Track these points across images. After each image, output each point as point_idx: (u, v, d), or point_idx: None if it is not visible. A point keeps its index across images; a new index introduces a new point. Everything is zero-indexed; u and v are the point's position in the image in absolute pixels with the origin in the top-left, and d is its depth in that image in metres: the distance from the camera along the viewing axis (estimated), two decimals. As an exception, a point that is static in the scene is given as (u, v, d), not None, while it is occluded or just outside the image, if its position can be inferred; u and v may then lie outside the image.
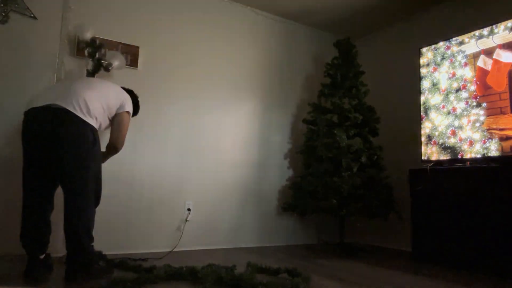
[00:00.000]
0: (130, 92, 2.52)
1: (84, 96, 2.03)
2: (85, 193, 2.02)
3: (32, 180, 2.04)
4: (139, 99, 2.65)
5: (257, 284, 1.88)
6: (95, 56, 2.82)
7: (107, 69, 2.83)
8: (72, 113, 1.96)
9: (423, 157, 3.20)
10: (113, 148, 2.29)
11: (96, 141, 2.07)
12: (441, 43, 3.18)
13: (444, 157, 3.04)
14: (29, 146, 2.01)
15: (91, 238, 2.05)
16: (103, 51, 2.96)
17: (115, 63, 2.88)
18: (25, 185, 2.05)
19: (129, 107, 2.30)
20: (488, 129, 2.77)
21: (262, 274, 2.30)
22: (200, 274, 2.08)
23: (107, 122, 2.23)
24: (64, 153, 1.96)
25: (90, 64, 2.83)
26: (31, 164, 2.03)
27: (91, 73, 2.80)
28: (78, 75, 2.90)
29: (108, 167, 3.01)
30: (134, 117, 3.14)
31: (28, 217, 2.03)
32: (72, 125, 1.96)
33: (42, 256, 2.07)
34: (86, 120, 2.01)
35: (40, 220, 2.04)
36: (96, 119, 2.08)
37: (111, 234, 2.96)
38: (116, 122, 2.24)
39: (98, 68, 2.80)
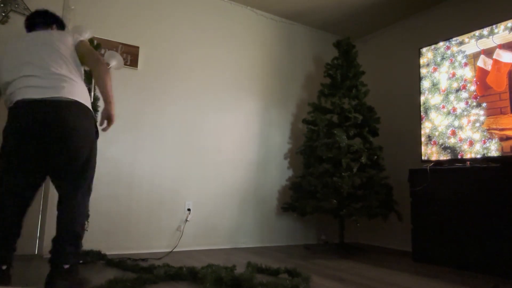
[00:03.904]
0: (43, 18, 2.13)
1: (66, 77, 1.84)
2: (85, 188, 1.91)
3: (15, 178, 1.81)
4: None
5: (256, 285, 1.88)
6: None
7: None
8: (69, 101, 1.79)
9: (423, 157, 3.20)
10: (95, 69, 1.97)
11: (96, 130, 1.95)
12: (441, 43, 3.18)
13: (444, 157, 3.04)
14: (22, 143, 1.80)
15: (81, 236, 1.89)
16: (102, 51, 2.97)
17: (113, 63, 2.86)
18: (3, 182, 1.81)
19: (78, 36, 2.02)
20: (488, 129, 2.77)
21: (262, 274, 2.30)
22: (200, 274, 2.07)
23: (79, 67, 1.97)
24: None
25: (87, 64, 2.82)
26: (21, 161, 1.81)
27: (89, 73, 2.79)
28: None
29: (108, 167, 3.02)
30: (134, 117, 3.16)
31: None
32: (71, 117, 1.81)
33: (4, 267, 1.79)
34: (84, 103, 1.86)
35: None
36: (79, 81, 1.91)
37: (111, 234, 2.96)
38: (80, 52, 1.98)
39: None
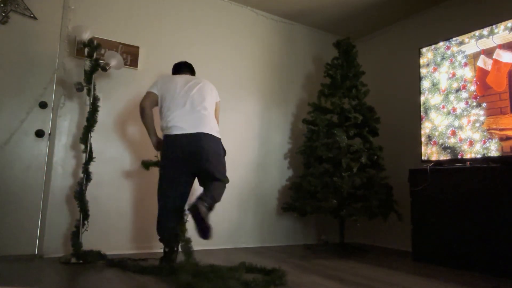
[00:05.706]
0: (188, 67, 2.99)
1: (211, 122, 2.60)
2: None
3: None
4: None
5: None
6: (93, 56, 2.81)
7: (104, 69, 2.83)
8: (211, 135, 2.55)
9: (423, 157, 3.19)
10: None
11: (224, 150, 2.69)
12: (441, 43, 3.18)
13: (444, 157, 3.04)
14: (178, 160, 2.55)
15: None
16: (102, 51, 2.96)
17: (112, 63, 2.87)
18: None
19: (218, 97, 2.87)
20: (488, 129, 2.77)
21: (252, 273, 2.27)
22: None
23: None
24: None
25: (87, 64, 2.82)
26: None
27: (89, 73, 2.79)
28: (77, 75, 2.90)
29: (108, 168, 3.02)
30: (134, 118, 3.16)
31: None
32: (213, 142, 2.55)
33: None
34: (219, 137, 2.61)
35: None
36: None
37: (111, 234, 2.96)
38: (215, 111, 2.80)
39: (96, 68, 2.80)
